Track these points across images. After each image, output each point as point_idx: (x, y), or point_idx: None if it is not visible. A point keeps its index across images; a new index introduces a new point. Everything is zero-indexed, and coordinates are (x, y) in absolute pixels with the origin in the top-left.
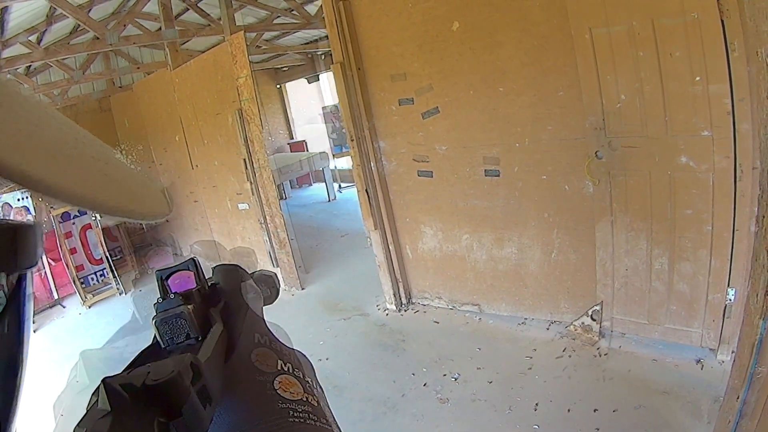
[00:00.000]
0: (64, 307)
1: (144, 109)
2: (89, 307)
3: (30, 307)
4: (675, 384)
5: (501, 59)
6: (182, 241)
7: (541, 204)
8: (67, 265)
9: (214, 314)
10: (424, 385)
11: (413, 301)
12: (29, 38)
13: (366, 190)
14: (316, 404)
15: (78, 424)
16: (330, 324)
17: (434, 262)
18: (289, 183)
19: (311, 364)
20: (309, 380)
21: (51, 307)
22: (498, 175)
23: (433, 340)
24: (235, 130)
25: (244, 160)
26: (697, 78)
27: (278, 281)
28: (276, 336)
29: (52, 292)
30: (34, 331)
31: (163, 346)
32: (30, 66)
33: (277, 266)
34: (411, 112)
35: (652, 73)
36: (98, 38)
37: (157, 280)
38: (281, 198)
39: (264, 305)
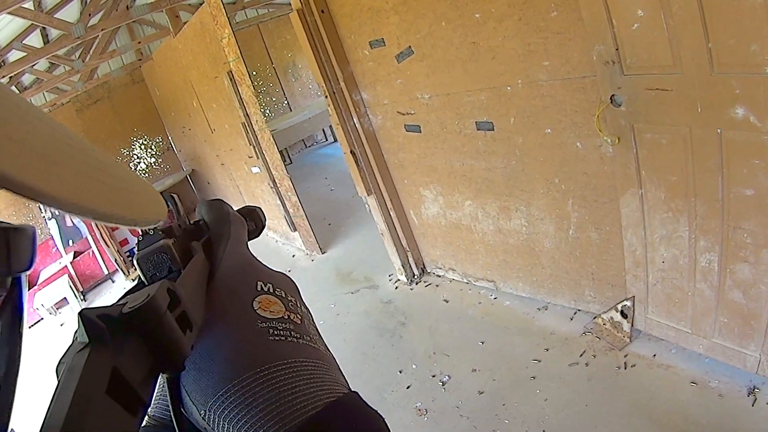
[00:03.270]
0: (113, 282)
1: (165, 77)
2: (134, 280)
3: (25, 311)
4: (716, 422)
5: None
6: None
7: (549, 166)
8: (107, 243)
9: (196, 247)
10: (408, 387)
11: (428, 271)
12: (24, 42)
13: (351, 152)
14: (299, 322)
15: (59, 360)
16: (336, 298)
17: (440, 230)
18: (304, 142)
19: (296, 286)
20: (292, 299)
21: (102, 282)
22: (492, 129)
23: (436, 326)
24: (230, 93)
25: (242, 123)
26: None
27: (263, 215)
28: (258, 260)
29: (102, 269)
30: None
31: (147, 284)
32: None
33: (295, 230)
34: (384, 55)
35: None
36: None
37: None
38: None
39: (249, 239)
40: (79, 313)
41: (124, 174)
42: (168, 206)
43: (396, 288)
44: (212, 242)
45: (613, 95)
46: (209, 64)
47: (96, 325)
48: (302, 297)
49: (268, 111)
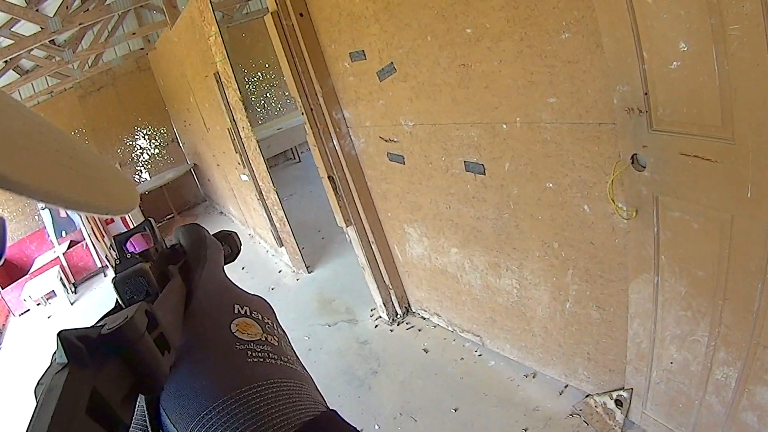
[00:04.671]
0: (105, 276)
1: (166, 68)
2: None
3: None
4: None
5: None
6: (221, 202)
7: (548, 228)
8: (98, 238)
9: (173, 270)
10: None
11: (413, 311)
12: (12, 29)
13: (329, 177)
14: (276, 343)
15: (38, 381)
16: (312, 330)
17: (425, 272)
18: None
19: (272, 308)
20: (269, 321)
21: (94, 275)
22: (483, 173)
23: (409, 381)
24: (218, 96)
25: (228, 129)
26: None
27: (239, 240)
28: (234, 284)
29: (95, 262)
30: (72, 303)
31: (124, 307)
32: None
33: (282, 246)
34: (366, 70)
35: None
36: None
37: (115, 245)
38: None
39: (225, 263)
40: (58, 335)
41: (97, 162)
42: (145, 230)
43: (376, 326)
44: (189, 266)
45: (635, 154)
46: (200, 61)
47: (75, 346)
48: (278, 319)
49: (279, 106)
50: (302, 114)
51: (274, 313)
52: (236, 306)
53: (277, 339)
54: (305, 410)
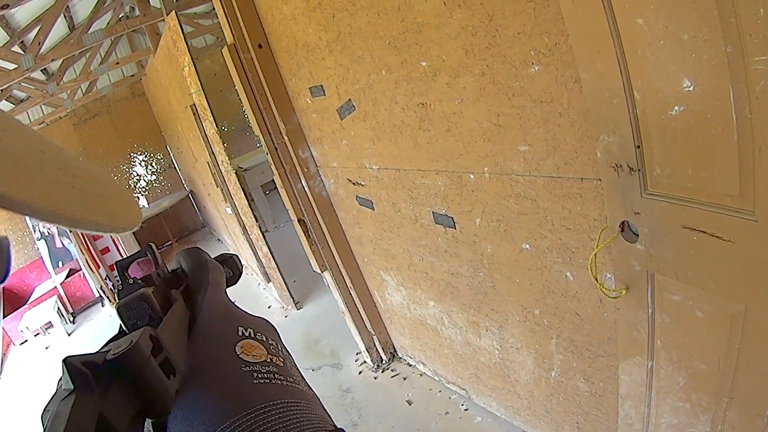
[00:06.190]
0: (103, 306)
1: (156, 95)
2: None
3: (0, 320)
4: None
5: (411, 1)
6: (217, 230)
7: (527, 293)
8: (92, 269)
9: (175, 295)
10: None
11: (399, 357)
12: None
13: (300, 220)
14: (281, 364)
15: (45, 408)
16: None
17: (407, 321)
18: None
19: (275, 329)
20: (273, 342)
21: (92, 305)
22: (453, 227)
23: None
24: (196, 128)
25: (208, 163)
26: None
27: (240, 262)
28: (237, 306)
29: (92, 291)
30: (69, 334)
31: (128, 332)
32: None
33: (269, 281)
34: (326, 108)
35: None
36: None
37: (118, 270)
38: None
39: (227, 286)
40: (64, 361)
41: (100, 180)
42: (146, 255)
43: (360, 373)
44: (191, 290)
45: (625, 222)
46: (180, 92)
47: (81, 372)
48: (282, 340)
49: None
50: (266, 154)
51: (278, 333)
52: (240, 328)
53: (282, 360)
54: (314, 429)
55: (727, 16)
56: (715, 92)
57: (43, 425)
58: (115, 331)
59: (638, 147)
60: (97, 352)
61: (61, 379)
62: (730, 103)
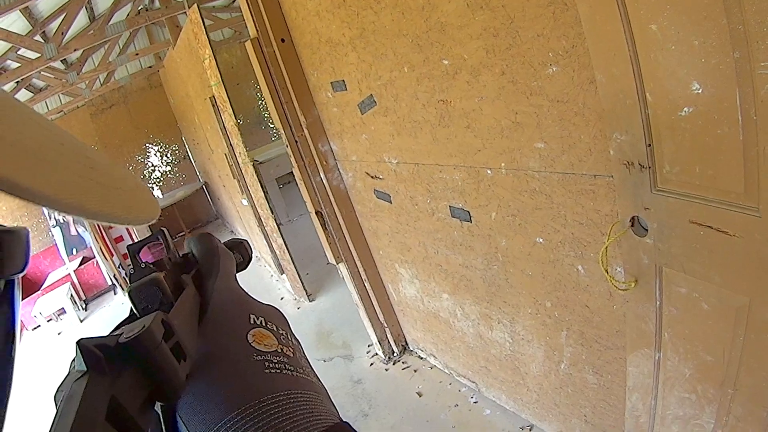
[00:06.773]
0: (115, 294)
1: (173, 87)
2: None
3: (18, 315)
4: None
5: (435, 2)
6: (231, 221)
7: (539, 285)
8: (106, 257)
9: (186, 280)
10: None
11: (410, 349)
12: (19, 53)
13: (318, 212)
14: (291, 355)
15: (57, 389)
16: None
17: (419, 314)
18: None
19: (285, 318)
20: (283, 332)
21: (105, 292)
22: (469, 220)
23: (399, 427)
24: (215, 120)
25: (225, 155)
26: None
27: (250, 248)
28: (247, 293)
29: (105, 279)
30: (81, 320)
31: (139, 316)
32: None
33: (282, 273)
34: (347, 102)
35: None
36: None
37: (129, 254)
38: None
39: (237, 271)
40: (77, 342)
41: (117, 173)
42: (158, 239)
43: (371, 364)
44: (202, 275)
45: (635, 217)
46: (199, 83)
47: (94, 354)
48: (292, 329)
49: None
50: (287, 146)
51: (288, 322)
52: (252, 316)
53: (292, 350)
54: (322, 421)
55: (735, 23)
56: (722, 95)
57: (56, 405)
58: (129, 313)
59: (649, 146)
60: (109, 335)
61: (74, 360)
62: (736, 106)
